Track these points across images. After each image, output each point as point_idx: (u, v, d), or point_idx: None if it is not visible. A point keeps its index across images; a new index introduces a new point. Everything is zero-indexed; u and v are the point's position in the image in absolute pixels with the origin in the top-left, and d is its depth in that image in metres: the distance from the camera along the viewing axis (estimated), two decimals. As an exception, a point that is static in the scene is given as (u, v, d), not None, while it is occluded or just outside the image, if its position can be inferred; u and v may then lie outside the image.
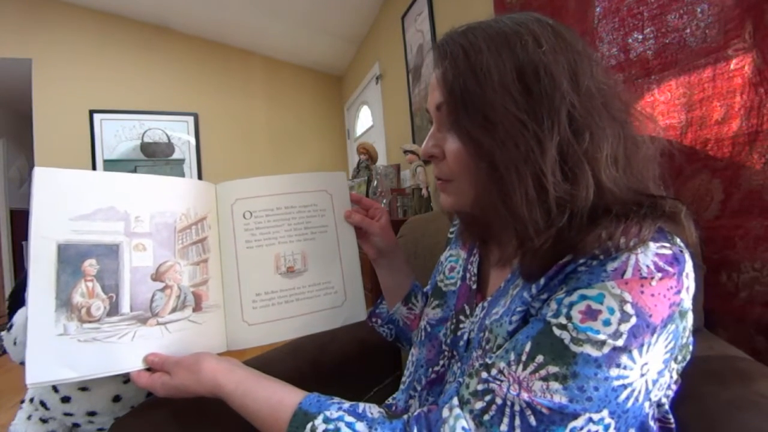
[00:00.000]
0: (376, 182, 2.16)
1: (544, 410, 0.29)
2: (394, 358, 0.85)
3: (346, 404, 0.38)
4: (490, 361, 0.34)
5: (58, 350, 0.43)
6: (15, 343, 0.61)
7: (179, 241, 0.52)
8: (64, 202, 0.46)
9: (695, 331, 0.35)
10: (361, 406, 0.38)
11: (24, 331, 0.45)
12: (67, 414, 0.60)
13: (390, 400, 0.60)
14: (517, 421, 0.30)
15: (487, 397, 0.32)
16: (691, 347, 0.35)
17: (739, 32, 0.66)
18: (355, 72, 3.35)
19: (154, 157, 3.01)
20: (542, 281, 0.35)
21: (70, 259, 0.45)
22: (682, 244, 0.33)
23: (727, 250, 0.69)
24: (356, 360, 0.80)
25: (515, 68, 0.35)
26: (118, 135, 2.95)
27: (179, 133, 3.14)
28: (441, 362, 0.49)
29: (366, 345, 0.81)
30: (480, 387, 0.33)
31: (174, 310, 0.50)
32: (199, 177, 3.14)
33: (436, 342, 0.51)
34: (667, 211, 0.33)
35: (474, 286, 0.49)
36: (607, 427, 0.29)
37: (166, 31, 3.10)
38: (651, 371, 0.30)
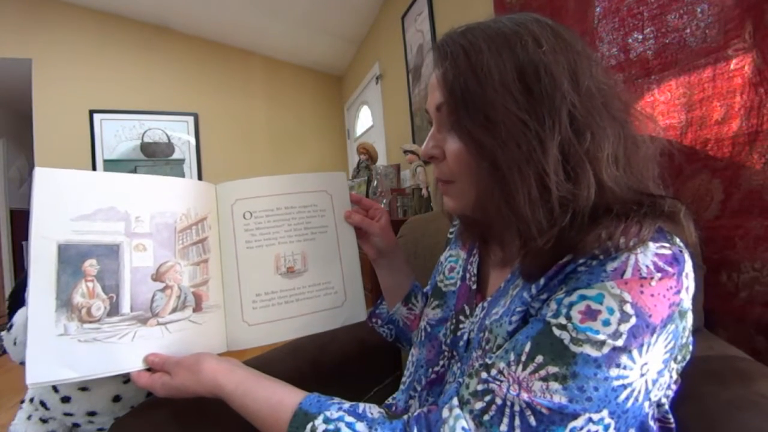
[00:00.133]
0: (376, 182, 2.17)
1: (544, 410, 0.29)
2: (394, 358, 0.86)
3: (346, 404, 0.38)
4: (489, 362, 0.34)
5: (59, 350, 0.43)
6: (15, 343, 0.61)
7: (179, 241, 0.52)
8: (65, 203, 0.46)
9: (695, 331, 0.35)
10: (361, 406, 0.38)
11: (24, 331, 0.45)
12: (67, 414, 0.60)
13: (390, 400, 0.60)
14: (517, 421, 0.30)
15: (487, 398, 0.32)
16: (690, 347, 0.35)
17: (739, 32, 0.66)
18: (355, 72, 3.35)
19: (154, 157, 3.01)
20: (542, 281, 0.35)
21: (70, 259, 0.45)
22: (681, 244, 0.33)
23: (727, 250, 0.69)
24: (356, 360, 0.80)
25: (515, 68, 0.35)
26: (118, 135, 2.95)
27: (179, 133, 3.14)
28: (441, 362, 0.49)
29: (366, 345, 0.81)
30: (480, 387, 0.33)
31: (174, 310, 0.50)
32: (199, 177, 3.14)
33: (436, 342, 0.51)
34: (667, 211, 0.33)
35: (474, 287, 0.49)
36: (606, 427, 0.29)
37: (166, 31, 3.09)
38: (651, 371, 0.30)
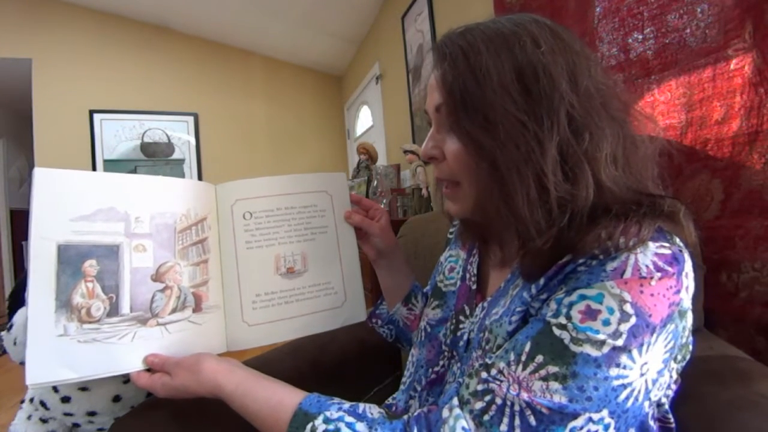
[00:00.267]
0: (376, 182, 2.17)
1: (544, 410, 0.29)
2: (394, 358, 0.86)
3: (346, 404, 0.38)
4: (489, 361, 0.34)
5: (58, 351, 0.43)
6: (15, 343, 0.61)
7: (179, 241, 0.52)
8: (64, 203, 0.46)
9: (695, 331, 0.36)
10: (361, 406, 0.38)
11: (24, 331, 0.45)
12: (67, 414, 0.60)
13: (390, 401, 0.60)
14: (517, 421, 0.30)
15: (487, 397, 0.32)
16: (690, 347, 0.35)
17: (739, 32, 0.66)
18: (355, 72, 3.35)
19: (154, 157, 3.01)
20: (542, 281, 0.35)
21: (70, 259, 0.45)
22: (681, 244, 0.33)
23: (727, 250, 0.69)
24: (356, 360, 0.80)
25: (514, 69, 0.35)
26: (118, 135, 2.95)
27: (179, 133, 3.14)
28: (441, 362, 0.49)
29: (366, 345, 0.81)
30: (480, 387, 0.33)
31: (174, 310, 0.50)
32: (199, 177, 3.14)
33: (436, 342, 0.51)
34: (666, 211, 0.33)
35: (474, 287, 0.49)
36: (606, 427, 0.29)
37: (166, 31, 3.10)
38: (651, 371, 0.30)
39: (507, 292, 0.41)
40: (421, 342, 0.54)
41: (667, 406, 0.37)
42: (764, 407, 0.40)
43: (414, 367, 0.53)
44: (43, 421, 0.64)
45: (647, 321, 0.29)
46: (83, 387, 0.59)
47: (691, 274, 0.32)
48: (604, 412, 0.29)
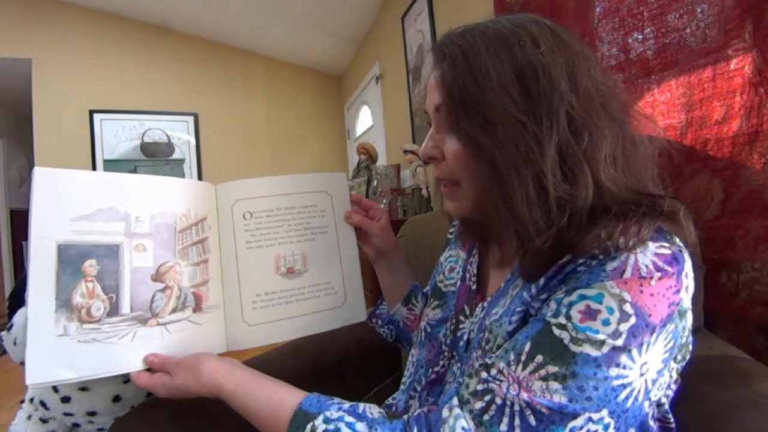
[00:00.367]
0: (376, 182, 2.17)
1: (544, 410, 0.29)
2: (394, 358, 0.86)
3: (346, 404, 0.38)
4: (489, 361, 0.34)
5: (58, 351, 0.43)
6: (15, 343, 0.61)
7: (179, 241, 0.52)
8: (65, 203, 0.46)
9: (695, 331, 0.36)
10: (361, 406, 0.38)
11: (24, 331, 0.45)
12: (67, 414, 0.60)
13: (390, 400, 0.60)
14: (517, 421, 0.30)
15: (487, 397, 0.32)
16: (690, 347, 0.35)
17: (739, 32, 0.66)
18: (355, 72, 3.35)
19: (154, 157, 3.01)
20: (542, 281, 0.35)
21: (70, 259, 0.45)
22: (681, 244, 0.33)
23: (727, 250, 0.69)
24: (356, 360, 0.80)
25: (514, 69, 0.35)
26: (118, 135, 2.95)
27: (179, 133, 3.14)
28: (441, 363, 0.50)
29: (366, 345, 0.81)
30: (480, 387, 0.33)
31: (174, 310, 0.50)
32: (199, 177, 3.14)
33: (436, 342, 0.51)
34: (666, 211, 0.33)
35: (474, 287, 0.49)
36: (606, 427, 0.29)
37: (166, 31, 3.09)
38: (650, 371, 0.30)
39: (507, 292, 0.41)
40: (421, 342, 0.54)
41: (667, 406, 0.37)
42: (764, 407, 0.40)
43: (414, 367, 0.53)
44: (43, 421, 0.64)
45: (647, 321, 0.29)
46: (83, 387, 0.59)
47: (691, 274, 0.32)
48: (604, 412, 0.29)
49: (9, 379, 2.03)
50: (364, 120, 3.34)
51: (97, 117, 2.89)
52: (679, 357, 0.34)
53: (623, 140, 0.36)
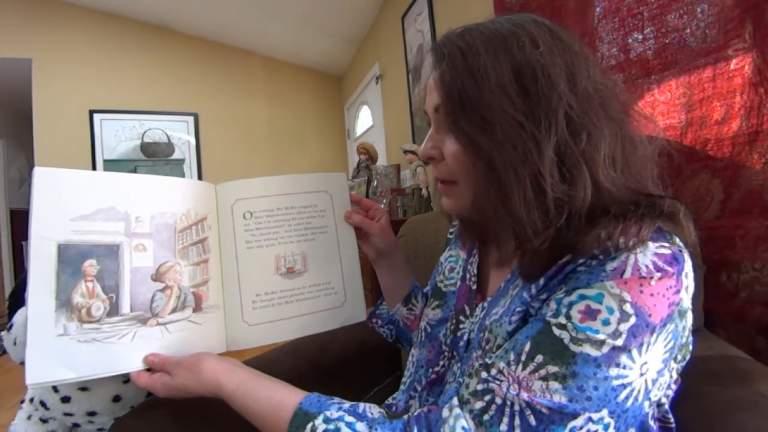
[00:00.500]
0: (376, 182, 2.17)
1: (544, 410, 0.29)
2: (394, 358, 0.86)
3: (347, 404, 0.38)
4: (489, 361, 0.34)
5: (58, 351, 0.43)
6: (15, 343, 0.61)
7: (179, 241, 0.52)
8: (65, 203, 0.46)
9: (695, 331, 0.36)
10: (362, 406, 0.38)
11: (24, 331, 0.45)
12: (67, 414, 0.60)
13: (390, 400, 0.60)
14: (517, 421, 0.30)
15: (487, 397, 0.32)
16: (690, 347, 0.35)
17: (739, 32, 0.66)
18: (355, 72, 3.35)
19: (154, 157, 3.01)
20: (542, 281, 0.35)
21: (70, 259, 0.45)
22: (681, 244, 0.33)
23: (727, 250, 0.69)
24: (356, 360, 0.80)
25: (512, 69, 0.35)
26: (118, 135, 2.95)
27: (179, 133, 3.14)
28: (441, 363, 0.50)
29: (366, 345, 0.81)
30: (480, 387, 0.33)
31: (174, 310, 0.50)
32: (199, 177, 3.14)
33: (436, 342, 0.51)
34: (666, 211, 0.33)
35: (474, 287, 0.49)
36: (606, 427, 0.29)
37: (166, 31, 3.09)
38: (650, 371, 0.30)
39: (507, 292, 0.41)
40: (421, 342, 0.54)
41: (667, 406, 0.37)
42: (764, 407, 0.40)
43: (414, 367, 0.53)
44: (43, 421, 0.64)
45: (647, 321, 0.29)
46: (83, 387, 0.59)
47: (691, 274, 0.32)
48: (604, 412, 0.29)
49: (9, 379, 2.03)
50: (364, 120, 3.34)
51: (97, 117, 2.89)
52: (679, 357, 0.34)
53: (622, 140, 0.36)
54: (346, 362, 0.79)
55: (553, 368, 0.30)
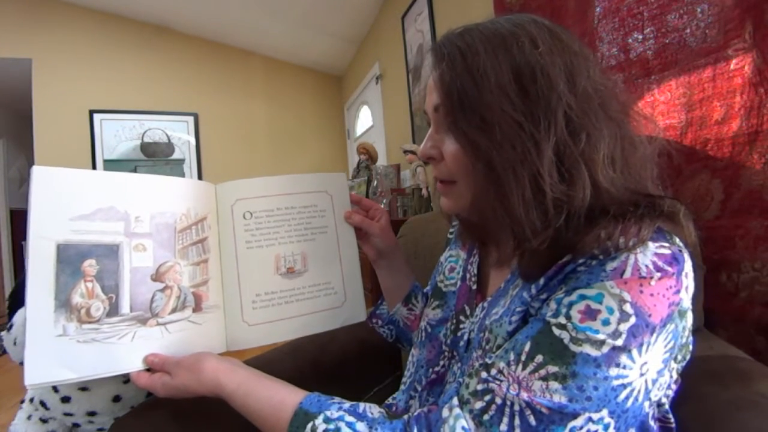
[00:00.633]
0: (376, 182, 2.17)
1: (544, 410, 0.29)
2: (394, 358, 0.85)
3: (347, 404, 0.38)
4: (489, 361, 0.34)
5: (57, 351, 0.42)
6: (15, 343, 0.61)
7: (179, 241, 0.52)
8: (64, 202, 0.46)
9: (695, 331, 0.36)
10: (362, 406, 0.38)
11: (24, 332, 0.45)
12: (67, 414, 0.60)
13: (390, 400, 0.60)
14: (517, 421, 0.30)
15: (487, 397, 0.32)
16: (690, 347, 0.35)
17: (739, 32, 0.66)
18: (355, 72, 3.35)
19: (154, 157, 3.01)
20: (542, 281, 0.35)
21: (69, 259, 0.45)
22: (681, 244, 0.33)
23: (727, 250, 0.69)
24: (356, 360, 0.80)
25: (512, 69, 0.35)
26: (118, 135, 2.95)
27: (179, 133, 3.14)
28: (441, 363, 0.50)
29: (366, 345, 0.81)
30: (480, 387, 0.33)
31: (174, 310, 0.50)
32: (199, 177, 3.14)
33: (436, 342, 0.51)
34: (666, 211, 0.33)
35: (474, 287, 0.49)
36: (606, 427, 0.29)
37: (166, 31, 3.10)
38: (650, 371, 0.30)
39: (507, 292, 0.41)
40: (421, 342, 0.54)
41: (667, 406, 0.37)
42: (764, 407, 0.40)
43: (414, 367, 0.53)
44: (43, 421, 0.64)
45: (647, 321, 0.29)
46: (83, 387, 0.59)
47: (691, 274, 0.32)
48: (604, 412, 0.29)
49: (9, 379, 2.03)
50: (364, 120, 3.34)
51: (97, 117, 2.89)
52: (679, 357, 0.34)
53: (622, 141, 0.36)
54: (346, 362, 0.78)
55: (553, 368, 0.30)
